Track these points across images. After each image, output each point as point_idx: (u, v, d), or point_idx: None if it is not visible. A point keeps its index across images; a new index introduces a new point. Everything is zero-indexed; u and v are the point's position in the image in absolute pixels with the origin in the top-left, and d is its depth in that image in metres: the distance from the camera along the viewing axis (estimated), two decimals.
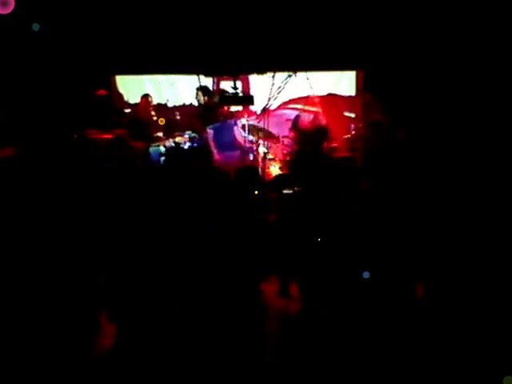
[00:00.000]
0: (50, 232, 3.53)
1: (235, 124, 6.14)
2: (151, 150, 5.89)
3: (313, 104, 6.13)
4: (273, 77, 5.91)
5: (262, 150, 6.15)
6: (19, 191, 4.01)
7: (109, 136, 5.17)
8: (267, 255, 2.80)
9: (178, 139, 5.97)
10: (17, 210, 3.78)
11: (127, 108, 6.59)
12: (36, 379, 2.32)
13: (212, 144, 5.82)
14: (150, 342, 2.55)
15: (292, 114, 6.49)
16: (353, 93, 6.81)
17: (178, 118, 6.43)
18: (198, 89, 6.17)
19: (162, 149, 5.97)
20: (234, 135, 6.04)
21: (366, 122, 5.49)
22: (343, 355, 2.41)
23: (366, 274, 2.55)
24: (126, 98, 6.87)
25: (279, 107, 6.91)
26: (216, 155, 5.77)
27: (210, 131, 5.86)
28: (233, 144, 5.96)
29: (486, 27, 5.24)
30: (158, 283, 2.81)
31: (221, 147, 5.83)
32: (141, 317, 2.69)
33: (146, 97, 6.45)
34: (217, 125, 5.92)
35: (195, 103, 6.59)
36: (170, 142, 5.94)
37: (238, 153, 6.01)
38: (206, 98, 6.12)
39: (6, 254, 3.23)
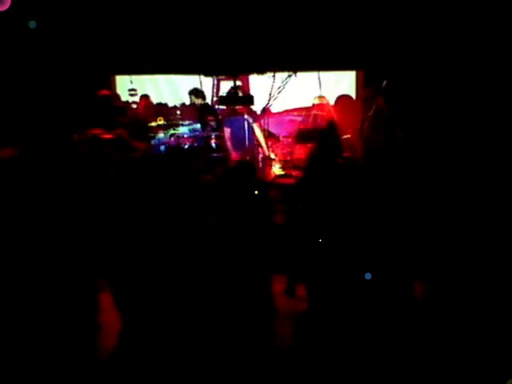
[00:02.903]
0: (50, 232, 3.53)
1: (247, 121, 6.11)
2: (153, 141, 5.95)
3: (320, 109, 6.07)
4: (273, 76, 5.92)
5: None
6: (19, 191, 4.01)
7: (109, 136, 5.15)
8: (273, 255, 2.80)
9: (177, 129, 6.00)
10: (17, 210, 3.77)
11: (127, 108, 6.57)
12: (37, 380, 2.32)
13: (229, 143, 5.88)
14: (156, 342, 2.56)
15: (296, 117, 6.49)
16: (353, 93, 6.81)
17: (179, 115, 6.44)
18: (189, 93, 6.23)
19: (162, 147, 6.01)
20: (246, 134, 6.06)
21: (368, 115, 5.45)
22: (348, 354, 2.42)
23: (368, 275, 2.56)
24: (122, 99, 6.83)
25: (283, 113, 6.87)
26: (233, 154, 5.83)
27: (226, 129, 5.90)
28: (244, 143, 5.98)
29: (485, 26, 5.24)
30: (163, 283, 2.81)
31: (236, 145, 5.88)
32: (147, 315, 2.69)
33: (145, 97, 6.44)
34: (232, 122, 5.94)
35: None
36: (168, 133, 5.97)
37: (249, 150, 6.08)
38: (199, 99, 6.20)
39: (6, 255, 3.23)
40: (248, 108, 6.08)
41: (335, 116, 5.85)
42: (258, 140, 6.15)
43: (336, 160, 3.77)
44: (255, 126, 6.05)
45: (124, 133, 5.35)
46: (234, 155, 5.84)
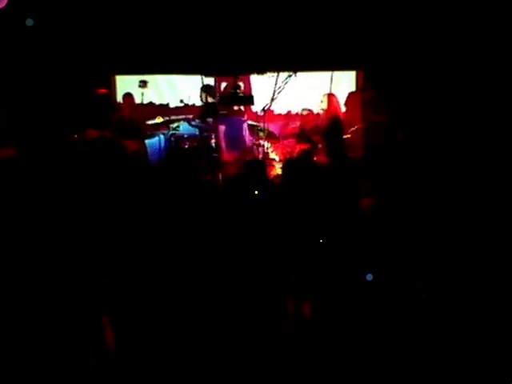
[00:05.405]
0: (49, 232, 3.53)
1: (244, 122, 6.03)
2: (148, 142, 5.82)
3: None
4: (274, 77, 5.90)
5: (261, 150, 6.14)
6: (19, 191, 4.01)
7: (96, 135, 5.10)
8: (274, 255, 2.80)
9: (175, 124, 5.92)
10: (16, 210, 3.77)
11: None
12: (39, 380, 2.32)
13: (223, 140, 5.73)
14: (155, 341, 2.56)
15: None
16: None
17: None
18: (201, 89, 6.07)
19: (162, 138, 5.92)
20: (241, 134, 5.96)
21: (365, 124, 5.45)
22: (350, 354, 2.42)
23: (369, 276, 2.56)
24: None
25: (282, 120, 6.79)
26: (225, 152, 5.68)
27: (221, 126, 5.75)
28: (239, 142, 5.88)
29: (485, 27, 5.24)
30: (163, 282, 2.81)
31: (230, 145, 5.75)
32: (146, 314, 2.69)
33: (128, 95, 6.39)
34: (227, 120, 5.82)
35: (197, 104, 6.58)
36: (168, 130, 5.90)
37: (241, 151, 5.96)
38: (210, 97, 6.02)
39: (5, 255, 3.22)
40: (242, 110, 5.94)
41: (343, 114, 5.74)
42: (257, 140, 6.15)
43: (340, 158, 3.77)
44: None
45: (110, 132, 5.29)
46: (227, 155, 5.69)
